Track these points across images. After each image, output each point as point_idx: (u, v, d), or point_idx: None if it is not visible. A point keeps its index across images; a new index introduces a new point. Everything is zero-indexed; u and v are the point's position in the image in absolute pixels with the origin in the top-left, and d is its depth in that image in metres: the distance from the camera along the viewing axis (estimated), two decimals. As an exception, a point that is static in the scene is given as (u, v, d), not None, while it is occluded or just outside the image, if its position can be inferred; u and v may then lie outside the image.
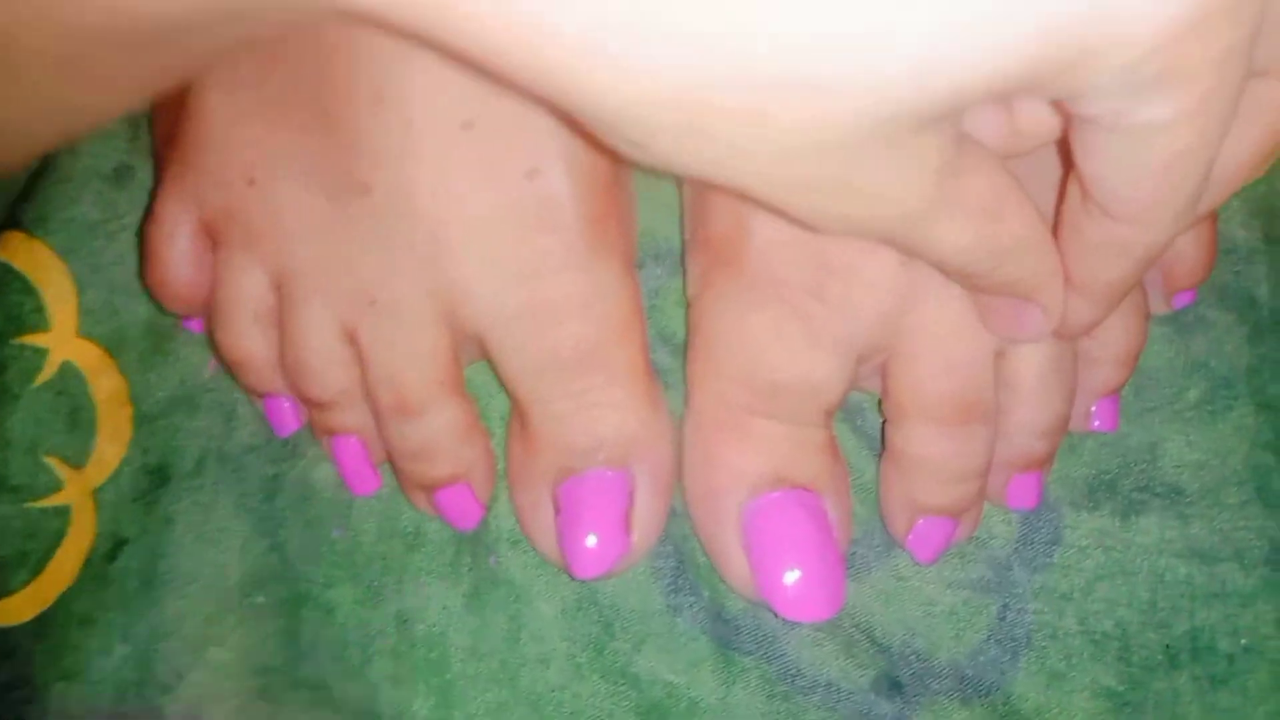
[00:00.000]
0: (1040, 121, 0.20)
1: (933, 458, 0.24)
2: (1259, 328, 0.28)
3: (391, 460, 0.26)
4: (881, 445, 0.26)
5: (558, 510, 0.25)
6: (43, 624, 0.28)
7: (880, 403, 0.26)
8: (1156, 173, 0.18)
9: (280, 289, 0.26)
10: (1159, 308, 0.27)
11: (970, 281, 0.22)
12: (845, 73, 0.15)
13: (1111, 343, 0.26)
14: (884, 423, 0.25)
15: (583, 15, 0.14)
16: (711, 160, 0.17)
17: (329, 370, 0.25)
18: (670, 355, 0.27)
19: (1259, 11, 0.16)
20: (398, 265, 0.24)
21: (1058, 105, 0.18)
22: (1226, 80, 0.16)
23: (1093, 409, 0.27)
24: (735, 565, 0.25)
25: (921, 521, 0.25)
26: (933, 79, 0.15)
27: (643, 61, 0.15)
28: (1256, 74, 0.19)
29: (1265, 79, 0.19)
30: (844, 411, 0.27)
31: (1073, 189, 0.20)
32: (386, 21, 0.16)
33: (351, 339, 0.25)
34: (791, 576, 0.24)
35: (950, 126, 0.17)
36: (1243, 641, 0.26)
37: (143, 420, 0.29)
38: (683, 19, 0.14)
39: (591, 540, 0.25)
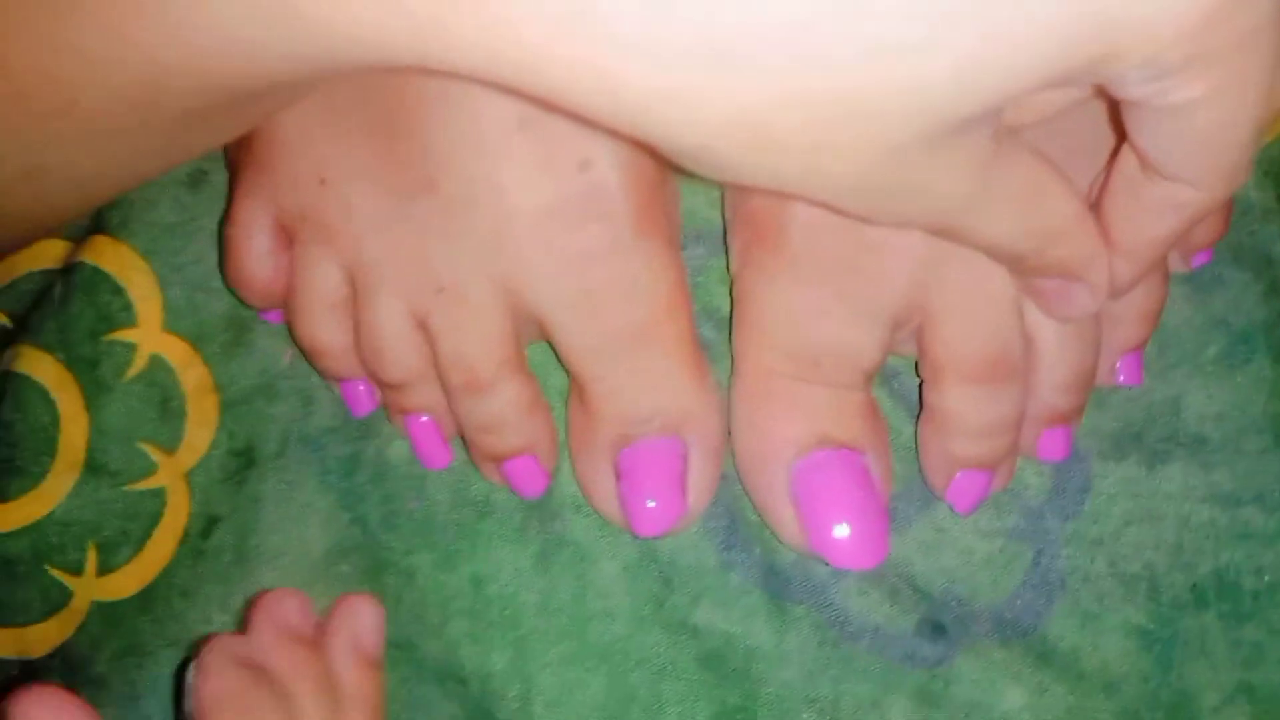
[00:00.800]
0: (1043, 98, 0.22)
1: (967, 414, 0.26)
2: (1275, 285, 0.29)
3: (462, 434, 0.28)
4: (919, 406, 0.28)
5: (618, 476, 0.27)
6: (147, 597, 0.30)
7: (916, 365, 0.27)
8: (1203, 142, 0.19)
9: (354, 281, 0.27)
10: (1177, 267, 0.29)
11: (1020, 265, 0.24)
12: (896, 91, 0.16)
13: (1134, 301, 0.27)
14: (921, 384, 0.27)
15: (658, 58, 0.16)
16: (777, 176, 0.18)
17: (402, 354, 0.27)
18: (715, 330, 0.29)
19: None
20: (462, 255, 0.26)
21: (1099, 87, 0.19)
22: (1258, 54, 0.17)
23: (1118, 365, 0.28)
24: (786, 521, 0.27)
25: (960, 475, 0.27)
26: (972, 89, 0.17)
27: (715, 99, 0.16)
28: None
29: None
30: (881, 375, 0.29)
31: (1128, 154, 0.21)
32: (462, 70, 0.17)
33: (422, 324, 0.27)
34: (840, 529, 0.26)
35: (989, 124, 0.19)
36: (1266, 578, 0.28)
37: (228, 406, 0.31)
38: (748, 57, 0.16)
39: (651, 502, 0.27)
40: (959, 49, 0.16)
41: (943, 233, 0.21)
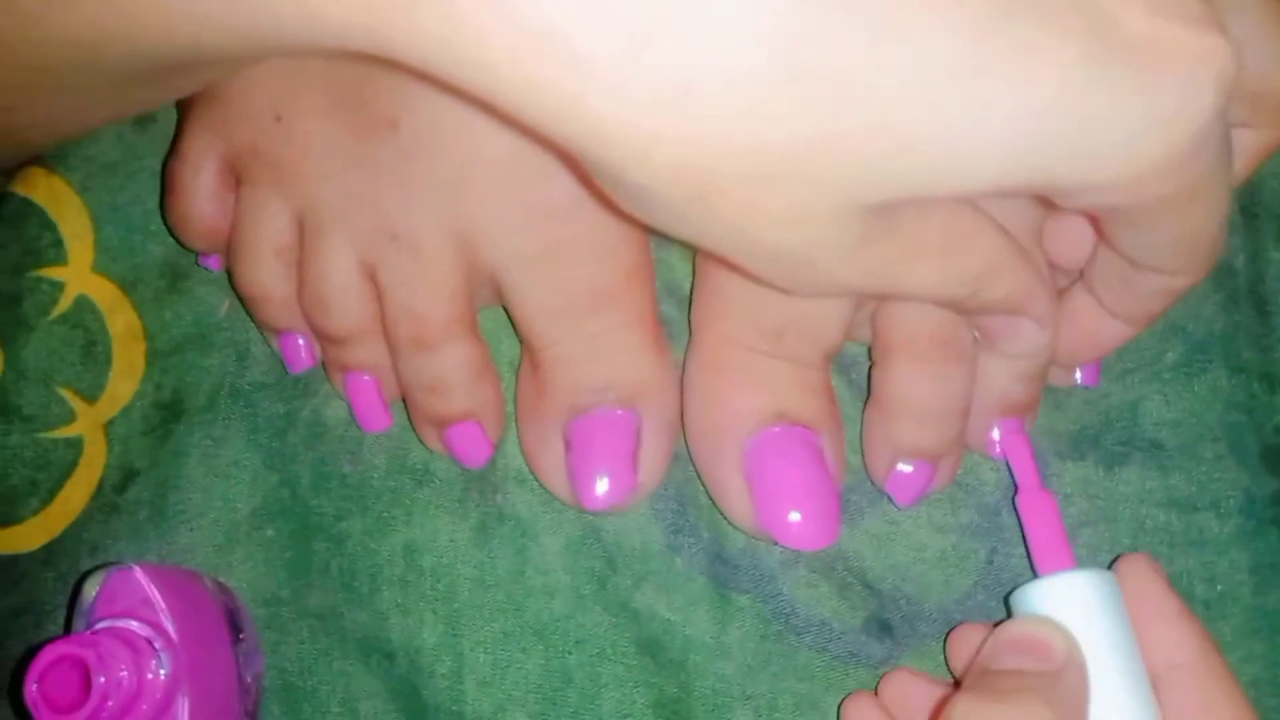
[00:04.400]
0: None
1: (913, 396, 0.25)
2: (1234, 295, 0.29)
3: (405, 394, 0.27)
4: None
5: (568, 446, 0.26)
6: (52, 552, 0.28)
7: (870, 350, 0.27)
8: (1173, 245, 0.20)
9: (303, 225, 0.26)
10: (1061, 380, 0.29)
11: (959, 308, 0.24)
12: (836, 163, 0.17)
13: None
14: (870, 367, 0.27)
15: (622, 94, 0.16)
16: (704, 232, 0.19)
17: (347, 304, 0.26)
18: (675, 308, 0.28)
19: (1224, 132, 0.18)
20: (420, 202, 0.25)
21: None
22: (1213, 177, 0.18)
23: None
24: (736, 498, 0.26)
25: (901, 463, 0.26)
26: (909, 178, 0.17)
27: (669, 140, 0.16)
28: (1233, 125, 0.21)
29: (1241, 129, 0.22)
30: (839, 364, 0.28)
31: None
32: (415, 65, 0.17)
33: (371, 275, 0.26)
34: (792, 509, 0.25)
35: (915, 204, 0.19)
36: (1219, 587, 0.27)
37: (156, 356, 0.29)
38: (708, 104, 0.16)
39: (601, 474, 0.26)
40: (905, 138, 0.16)
41: (868, 294, 0.21)
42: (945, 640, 0.27)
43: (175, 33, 0.18)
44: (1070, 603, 0.24)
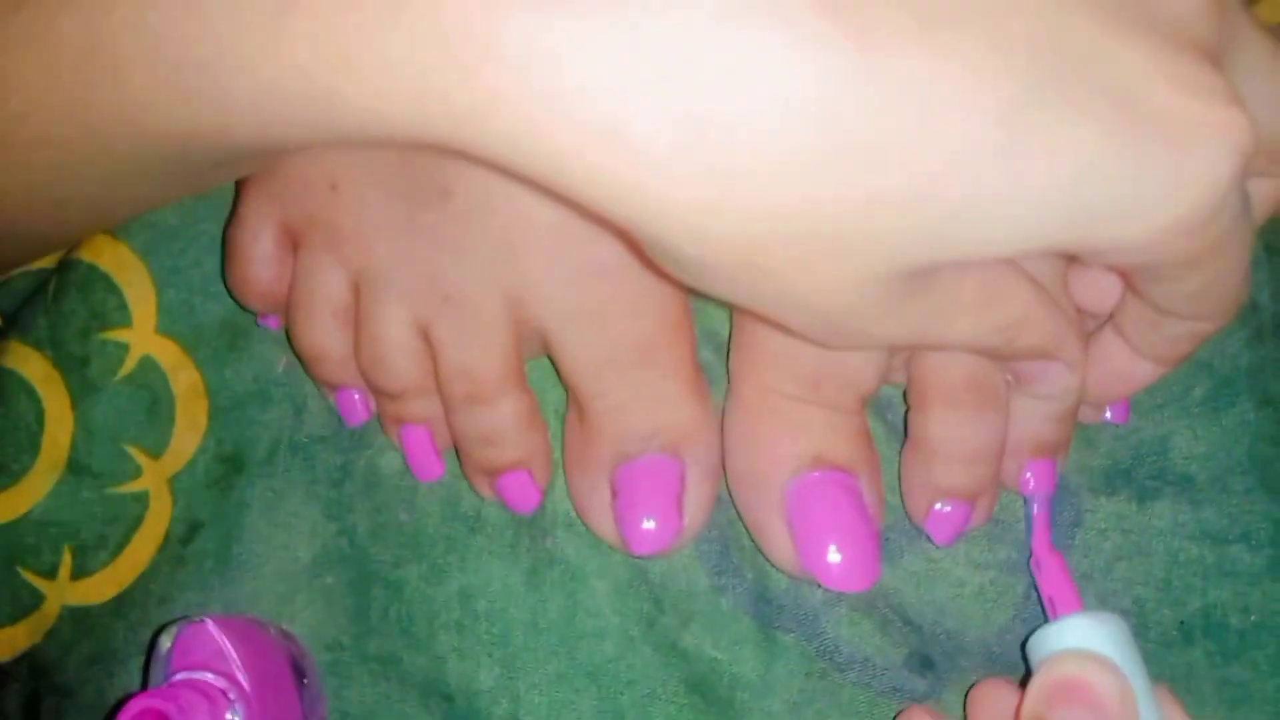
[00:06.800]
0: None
1: (950, 440, 0.26)
2: (1260, 331, 0.30)
3: (458, 444, 0.28)
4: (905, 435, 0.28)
5: (615, 493, 0.27)
6: (122, 603, 0.30)
7: (905, 393, 0.28)
8: (1200, 296, 0.21)
9: (359, 287, 0.27)
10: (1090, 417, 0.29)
11: (993, 356, 0.25)
12: (875, 238, 0.18)
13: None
14: (907, 411, 0.27)
15: (681, 175, 0.17)
16: (756, 295, 0.20)
17: (403, 362, 0.27)
18: (714, 353, 0.29)
19: (1243, 193, 0.19)
20: (472, 264, 0.26)
21: None
22: (1233, 234, 0.19)
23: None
24: (778, 541, 0.27)
25: (939, 504, 0.27)
26: (951, 243, 0.18)
27: (725, 216, 0.17)
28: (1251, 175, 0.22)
29: (1258, 178, 0.23)
30: (875, 405, 0.29)
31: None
32: (483, 160, 0.18)
33: (425, 334, 0.27)
34: (833, 550, 0.26)
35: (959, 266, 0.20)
36: (1253, 618, 0.28)
37: (218, 412, 0.30)
38: (761, 180, 0.17)
39: (649, 519, 0.27)
40: (946, 207, 0.17)
41: (910, 347, 0.22)
42: (965, 698, 0.27)
43: (265, 129, 0.19)
44: (1103, 640, 0.24)
